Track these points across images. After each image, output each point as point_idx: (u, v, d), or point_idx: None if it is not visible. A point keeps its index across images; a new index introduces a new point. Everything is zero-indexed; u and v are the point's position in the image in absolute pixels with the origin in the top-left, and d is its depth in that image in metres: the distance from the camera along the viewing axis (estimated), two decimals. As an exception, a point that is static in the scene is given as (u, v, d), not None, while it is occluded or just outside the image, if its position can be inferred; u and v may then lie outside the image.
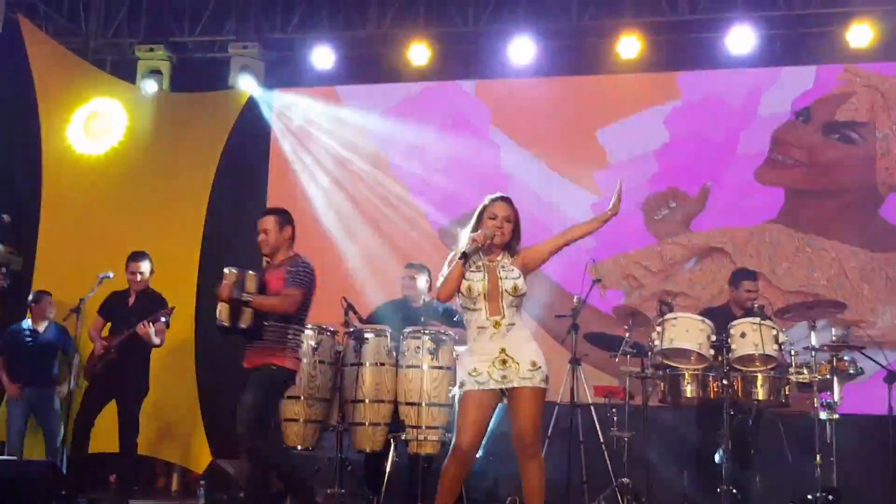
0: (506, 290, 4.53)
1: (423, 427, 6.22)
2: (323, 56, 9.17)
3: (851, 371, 6.25)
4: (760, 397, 6.11)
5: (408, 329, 6.43)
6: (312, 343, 6.43)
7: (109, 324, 7.21)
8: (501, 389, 4.49)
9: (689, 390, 6.19)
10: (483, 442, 4.76)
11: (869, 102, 8.36)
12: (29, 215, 8.94)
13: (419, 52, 8.98)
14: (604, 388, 7.07)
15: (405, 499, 6.52)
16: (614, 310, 8.10)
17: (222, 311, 5.49)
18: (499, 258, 4.62)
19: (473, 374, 4.50)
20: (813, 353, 6.11)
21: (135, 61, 9.62)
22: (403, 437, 6.30)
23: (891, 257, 8.10)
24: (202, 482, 7.29)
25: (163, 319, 6.97)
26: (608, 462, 6.78)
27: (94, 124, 9.36)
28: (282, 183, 9.32)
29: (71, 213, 9.06)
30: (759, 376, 6.08)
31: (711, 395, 6.12)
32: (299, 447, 6.48)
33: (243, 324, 5.46)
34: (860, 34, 8.23)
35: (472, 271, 4.56)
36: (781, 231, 8.35)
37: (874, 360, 6.47)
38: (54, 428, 7.82)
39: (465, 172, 8.71)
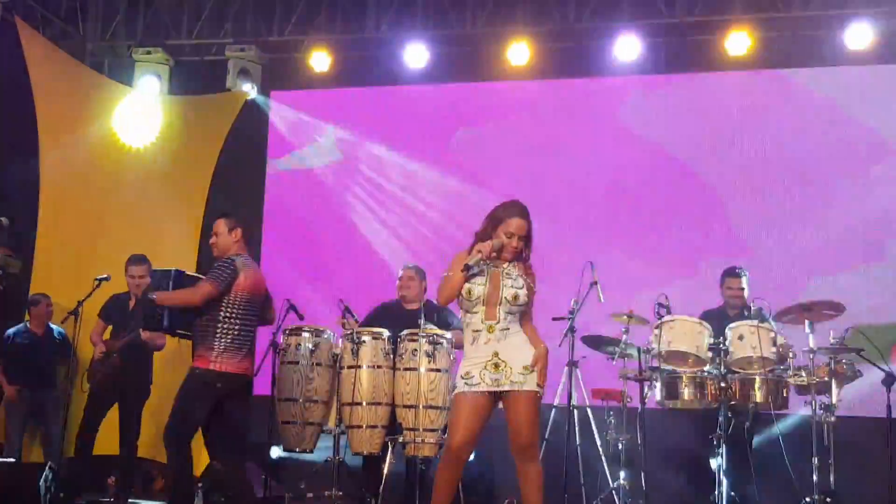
0: (505, 298, 4.52)
1: (421, 429, 6.19)
2: (320, 58, 9.18)
3: (849, 373, 6.24)
4: (758, 400, 6.11)
5: (404, 332, 6.42)
6: (310, 345, 6.43)
7: (110, 327, 7.22)
8: (496, 393, 4.49)
9: (686, 393, 6.20)
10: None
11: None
12: (27, 218, 8.93)
13: (418, 54, 8.97)
14: (601, 390, 7.05)
15: (403, 502, 6.53)
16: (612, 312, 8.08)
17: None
18: (505, 265, 4.61)
19: (465, 377, 4.51)
20: (811, 355, 6.10)
21: (132, 64, 9.62)
22: (401, 440, 6.30)
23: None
24: (200, 484, 7.28)
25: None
26: (605, 465, 6.78)
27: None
28: (279, 185, 9.30)
29: (69, 215, 9.03)
30: (757, 379, 6.09)
31: (709, 398, 6.12)
32: (297, 450, 6.48)
33: (162, 323, 5.55)
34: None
35: (474, 274, 4.55)
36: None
37: (872, 363, 6.45)
38: (53, 430, 7.80)
39: (465, 172, 8.72)
